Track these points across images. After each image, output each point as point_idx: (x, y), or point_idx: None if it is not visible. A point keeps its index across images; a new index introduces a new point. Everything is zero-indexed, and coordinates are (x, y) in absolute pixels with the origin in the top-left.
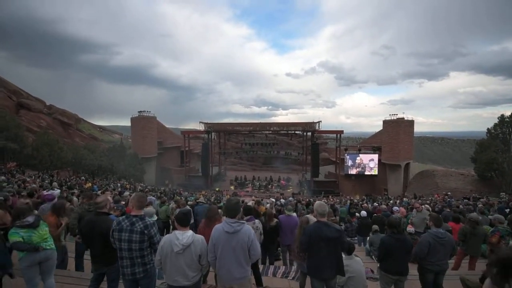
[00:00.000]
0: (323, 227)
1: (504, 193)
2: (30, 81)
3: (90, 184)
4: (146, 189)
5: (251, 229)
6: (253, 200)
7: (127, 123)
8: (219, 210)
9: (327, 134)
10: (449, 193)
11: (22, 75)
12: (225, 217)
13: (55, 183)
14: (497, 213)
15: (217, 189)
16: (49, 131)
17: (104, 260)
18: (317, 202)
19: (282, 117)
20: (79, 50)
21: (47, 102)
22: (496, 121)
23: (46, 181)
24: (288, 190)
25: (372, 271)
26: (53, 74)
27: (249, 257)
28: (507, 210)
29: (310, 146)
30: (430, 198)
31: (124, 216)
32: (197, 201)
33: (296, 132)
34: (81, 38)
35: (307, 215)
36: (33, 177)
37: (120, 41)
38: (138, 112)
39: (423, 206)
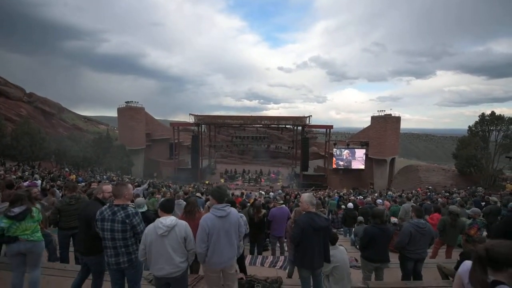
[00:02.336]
0: (314, 217)
1: (480, 188)
2: (10, 67)
3: (74, 176)
4: (136, 182)
5: (235, 210)
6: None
7: (113, 113)
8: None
9: (317, 129)
10: (430, 187)
11: (2, 61)
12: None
13: (36, 175)
14: (473, 206)
15: (206, 182)
16: (30, 120)
17: (82, 248)
18: (304, 194)
19: (274, 111)
20: (64, 36)
21: (28, 90)
22: (477, 119)
23: (27, 173)
24: (278, 184)
25: (356, 260)
26: (35, 60)
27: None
28: (483, 204)
29: (300, 140)
30: (412, 192)
31: (106, 206)
32: (196, 195)
33: (286, 126)
34: (66, 23)
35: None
36: (14, 168)
37: (108, 27)
38: (126, 102)
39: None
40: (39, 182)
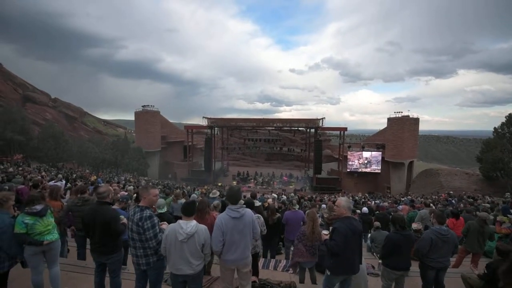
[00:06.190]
0: (353, 221)
1: (509, 193)
2: (37, 74)
3: (95, 177)
4: (150, 183)
5: (251, 211)
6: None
7: (131, 117)
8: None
9: (331, 131)
10: (451, 192)
11: (30, 68)
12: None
13: (60, 175)
14: (501, 213)
15: (219, 184)
16: (54, 124)
17: (103, 249)
18: (341, 198)
19: (286, 113)
20: (85, 44)
21: (53, 95)
22: (504, 120)
23: (53, 173)
24: (290, 186)
25: (373, 267)
26: (60, 67)
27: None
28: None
29: (313, 142)
30: (433, 197)
31: (133, 206)
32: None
33: (299, 128)
34: (88, 32)
35: (313, 209)
36: (40, 169)
37: (125, 35)
38: (142, 106)
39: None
40: (63, 182)
